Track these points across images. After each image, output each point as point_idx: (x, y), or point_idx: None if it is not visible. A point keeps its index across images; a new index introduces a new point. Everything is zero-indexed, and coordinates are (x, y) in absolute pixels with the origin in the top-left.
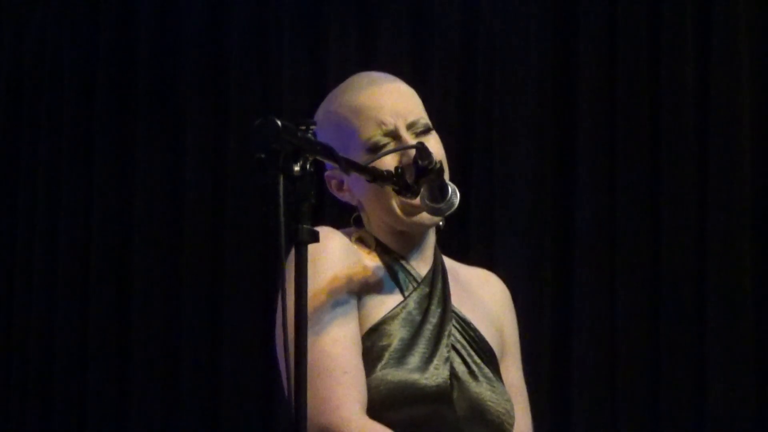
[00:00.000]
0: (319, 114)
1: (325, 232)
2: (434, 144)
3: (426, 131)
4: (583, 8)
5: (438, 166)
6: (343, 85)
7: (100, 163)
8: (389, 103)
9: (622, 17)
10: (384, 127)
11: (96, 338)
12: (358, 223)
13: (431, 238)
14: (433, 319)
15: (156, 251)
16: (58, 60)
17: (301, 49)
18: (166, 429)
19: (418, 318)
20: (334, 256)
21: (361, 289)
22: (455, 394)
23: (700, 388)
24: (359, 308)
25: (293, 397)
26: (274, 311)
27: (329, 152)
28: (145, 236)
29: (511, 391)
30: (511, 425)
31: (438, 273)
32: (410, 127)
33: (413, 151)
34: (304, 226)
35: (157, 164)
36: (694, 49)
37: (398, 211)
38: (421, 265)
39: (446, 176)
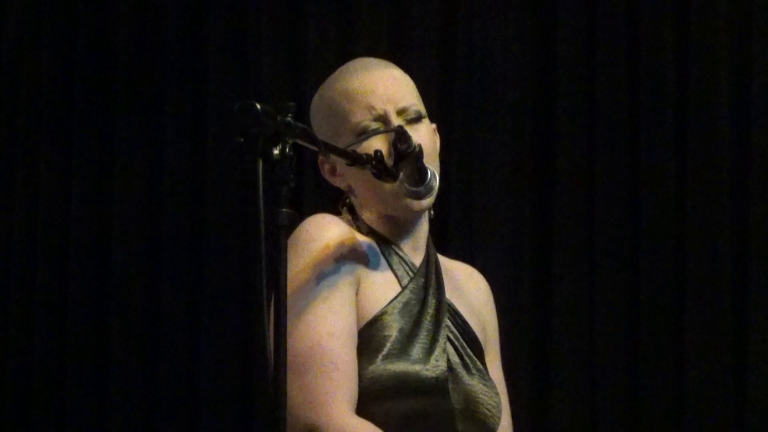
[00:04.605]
0: (315, 98)
1: (324, 218)
2: (424, 132)
3: (417, 118)
4: None
5: (417, 149)
6: (338, 71)
7: (78, 150)
8: (381, 88)
9: (602, 6)
10: (374, 113)
11: (75, 327)
12: (348, 209)
13: (424, 227)
14: (430, 309)
15: (135, 238)
16: (37, 46)
17: (280, 33)
18: (146, 417)
19: (416, 309)
20: (332, 242)
21: (361, 276)
22: (450, 386)
23: (679, 385)
24: (358, 295)
25: (272, 392)
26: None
27: (308, 135)
28: (125, 223)
29: None
30: (500, 419)
31: (432, 263)
32: (401, 113)
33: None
34: (284, 209)
35: (136, 150)
36: (673, 42)
37: (388, 195)
38: (413, 254)
39: (436, 167)
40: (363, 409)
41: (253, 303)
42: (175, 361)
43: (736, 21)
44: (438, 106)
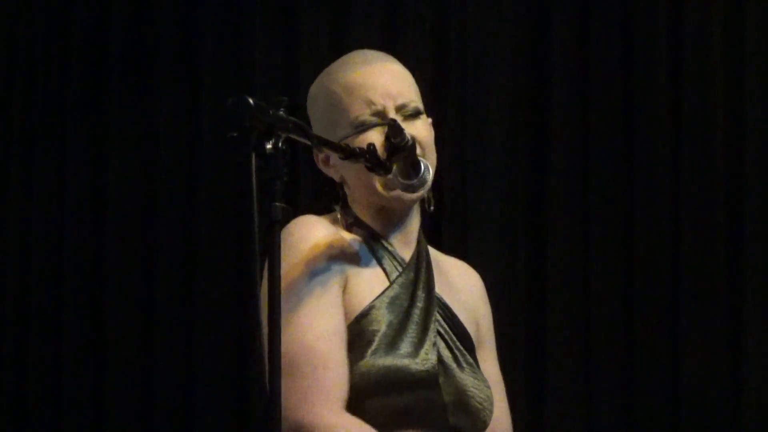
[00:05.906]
0: (313, 88)
1: (310, 220)
2: (421, 128)
3: (415, 115)
4: None
5: (410, 143)
6: (339, 61)
7: (72, 148)
8: (380, 83)
9: (596, 2)
10: (373, 107)
11: (71, 328)
12: (339, 201)
13: (415, 221)
14: (420, 303)
15: (130, 234)
16: (31, 37)
17: (273, 27)
18: (142, 416)
19: (406, 303)
20: (320, 243)
21: (348, 275)
22: (441, 380)
23: (675, 382)
24: (345, 294)
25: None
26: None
27: (301, 129)
28: (119, 220)
29: (490, 381)
30: (491, 412)
31: (422, 258)
32: (399, 109)
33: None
34: (277, 203)
35: (130, 145)
36: (667, 36)
37: (378, 186)
38: (403, 248)
39: (432, 163)
40: (356, 404)
41: (248, 297)
42: (171, 360)
43: (731, 18)
44: (431, 99)
